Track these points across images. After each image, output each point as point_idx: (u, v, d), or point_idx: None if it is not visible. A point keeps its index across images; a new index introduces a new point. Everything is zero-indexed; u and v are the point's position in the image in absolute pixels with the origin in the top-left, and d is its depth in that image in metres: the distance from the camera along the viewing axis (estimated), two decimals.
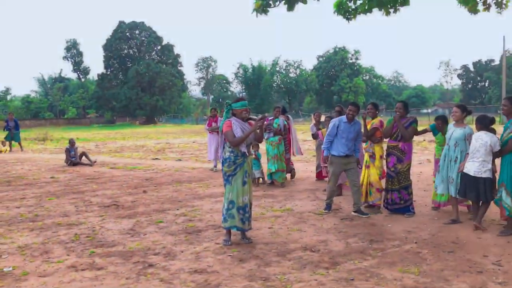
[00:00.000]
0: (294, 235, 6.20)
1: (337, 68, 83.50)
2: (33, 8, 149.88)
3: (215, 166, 12.58)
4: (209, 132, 12.83)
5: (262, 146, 10.79)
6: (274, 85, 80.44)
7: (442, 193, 7.09)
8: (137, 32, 73.46)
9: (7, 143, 20.89)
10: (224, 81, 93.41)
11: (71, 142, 15.27)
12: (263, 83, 77.75)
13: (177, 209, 7.92)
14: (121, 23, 72.41)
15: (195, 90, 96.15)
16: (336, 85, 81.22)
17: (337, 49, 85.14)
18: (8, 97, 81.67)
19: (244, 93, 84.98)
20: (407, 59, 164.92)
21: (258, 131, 5.95)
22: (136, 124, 64.68)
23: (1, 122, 35.09)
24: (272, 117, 10.27)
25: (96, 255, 5.50)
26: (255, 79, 79.72)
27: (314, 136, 10.55)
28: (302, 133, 28.50)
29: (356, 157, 7.48)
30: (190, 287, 4.45)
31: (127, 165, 14.51)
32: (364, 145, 8.02)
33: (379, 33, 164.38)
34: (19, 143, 21.19)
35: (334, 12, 10.12)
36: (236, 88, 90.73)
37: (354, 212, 7.30)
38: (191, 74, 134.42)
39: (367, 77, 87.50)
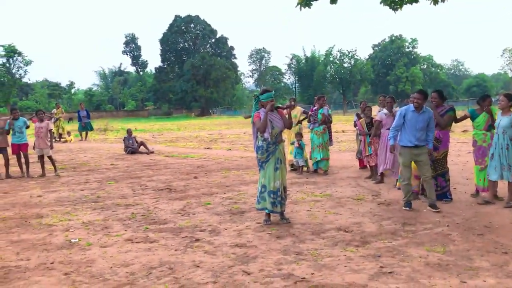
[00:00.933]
0: (330, 217, 6.60)
1: (393, 57, 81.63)
2: (94, 5, 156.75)
3: None
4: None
5: (306, 136, 11.18)
6: (327, 75, 79.75)
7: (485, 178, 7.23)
8: (192, 25, 75.18)
9: (73, 134, 22.40)
10: (277, 73, 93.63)
11: (128, 132, 16.34)
12: (316, 73, 77.33)
13: (224, 193, 8.50)
14: (176, 17, 74.36)
15: (248, 82, 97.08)
16: (392, 75, 79.47)
17: (393, 38, 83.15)
18: (72, 91, 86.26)
19: (297, 84, 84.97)
20: (468, 46, 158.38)
21: (287, 117, 6.43)
22: (192, 116, 66.43)
23: (70, 114, 37.36)
24: (316, 107, 10.60)
25: (150, 230, 6.15)
26: (308, 69, 79.39)
27: (355, 125, 10.80)
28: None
29: (429, 148, 6.97)
30: (231, 258, 4.97)
31: (181, 154, 15.35)
32: None
33: (437, 20, 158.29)
34: (86, 133, 22.58)
35: (380, 3, 10.19)
36: (289, 79, 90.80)
37: (429, 206, 6.93)
38: (244, 66, 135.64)
39: (425, 66, 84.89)
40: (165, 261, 4.93)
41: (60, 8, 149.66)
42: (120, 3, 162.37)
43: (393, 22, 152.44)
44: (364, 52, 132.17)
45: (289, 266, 4.66)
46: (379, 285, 4.13)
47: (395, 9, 10.24)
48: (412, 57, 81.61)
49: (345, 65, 79.16)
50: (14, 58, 61.18)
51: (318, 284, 4.19)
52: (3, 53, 60.42)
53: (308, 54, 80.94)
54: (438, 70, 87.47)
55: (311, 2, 9.62)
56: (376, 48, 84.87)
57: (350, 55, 78.87)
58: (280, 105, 6.61)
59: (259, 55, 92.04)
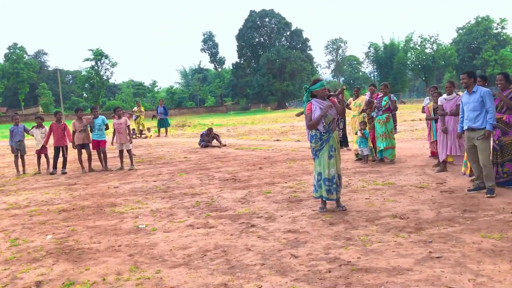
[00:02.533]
0: (387, 205, 6.54)
1: (480, 39, 76.75)
2: (173, 6, 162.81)
3: None
4: None
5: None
6: (408, 62, 76.82)
7: None
8: (267, 20, 75.90)
9: (152, 129, 23.66)
10: (355, 62, 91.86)
11: (209, 130, 16.84)
12: (396, 61, 74.80)
13: (286, 183, 8.68)
14: (251, 13, 75.43)
15: (325, 73, 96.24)
16: (479, 59, 74.84)
17: (479, 19, 78.13)
18: (155, 89, 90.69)
19: (375, 73, 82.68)
20: None
21: (338, 105, 6.38)
22: (268, 110, 67.18)
23: (153, 111, 39.43)
24: (381, 95, 10.41)
25: (210, 217, 6.50)
26: (387, 57, 77.05)
27: (423, 110, 10.45)
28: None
29: (488, 130, 6.60)
30: (281, 243, 5.15)
31: (251, 146, 15.74)
32: None
33: None
34: (166, 129, 23.73)
35: None
36: (367, 68, 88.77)
37: (486, 194, 6.67)
38: (320, 57, 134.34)
39: None
40: (220, 245, 5.23)
41: (142, 11, 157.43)
42: (197, 2, 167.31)
43: (479, 2, 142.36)
44: (447, 37, 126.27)
45: (337, 251, 4.75)
46: (424, 269, 4.10)
47: None
48: (502, 38, 76.19)
49: (427, 50, 75.82)
50: (102, 61, 65.65)
51: (362, 267, 4.25)
52: (92, 56, 65.02)
53: (387, 42, 78.42)
54: None
55: None
56: (461, 32, 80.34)
57: (432, 40, 75.41)
58: (332, 93, 6.63)
59: (335, 45, 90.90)
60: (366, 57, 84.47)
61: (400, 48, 77.42)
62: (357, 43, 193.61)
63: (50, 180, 10.83)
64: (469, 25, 79.77)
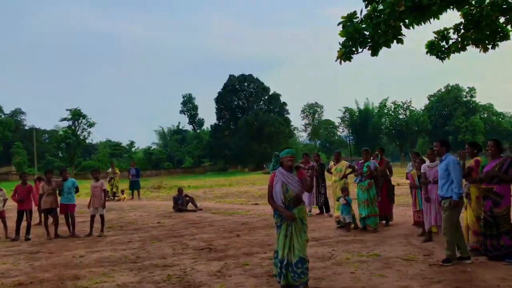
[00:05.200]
0: (375, 280, 6.08)
1: (451, 107, 79.59)
2: (153, 69, 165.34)
3: (310, 211, 12.65)
4: None
5: (353, 189, 10.73)
6: (382, 127, 78.61)
7: None
8: (245, 84, 77.43)
9: (126, 192, 22.89)
10: (331, 126, 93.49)
11: (179, 191, 16.45)
12: (370, 126, 76.45)
13: (265, 253, 8.15)
14: (231, 77, 76.95)
15: (302, 136, 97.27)
16: (451, 125, 77.18)
17: (449, 87, 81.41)
18: (133, 149, 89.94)
19: (351, 137, 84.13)
20: None
21: (308, 180, 5.88)
22: (245, 171, 66.83)
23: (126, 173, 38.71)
24: (361, 161, 10.21)
25: None
26: (362, 122, 78.79)
27: (406, 177, 10.25)
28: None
29: (454, 200, 6.69)
30: None
31: (228, 210, 15.19)
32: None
33: (496, 67, 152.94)
34: (138, 191, 23.02)
35: (426, 53, 9.88)
36: (343, 132, 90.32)
37: (441, 261, 6.73)
38: (297, 120, 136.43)
39: (485, 115, 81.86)
40: None
41: (121, 72, 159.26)
42: (177, 66, 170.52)
43: (448, 72, 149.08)
44: (419, 103, 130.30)
45: None
46: None
47: (442, 58, 9.86)
48: (471, 106, 79.20)
49: (401, 116, 77.94)
50: (79, 121, 65.14)
51: None
52: (70, 116, 64.56)
53: (361, 107, 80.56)
54: (500, 119, 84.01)
55: (351, 56, 9.46)
56: (432, 99, 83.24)
57: (405, 106, 77.76)
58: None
59: (311, 110, 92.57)
60: (341, 121, 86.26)
61: (374, 113, 79.43)
62: (332, 107, 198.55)
63: (10, 247, 10.01)
64: (440, 93, 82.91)
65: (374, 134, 76.76)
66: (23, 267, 7.91)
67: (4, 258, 8.81)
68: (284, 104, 77.39)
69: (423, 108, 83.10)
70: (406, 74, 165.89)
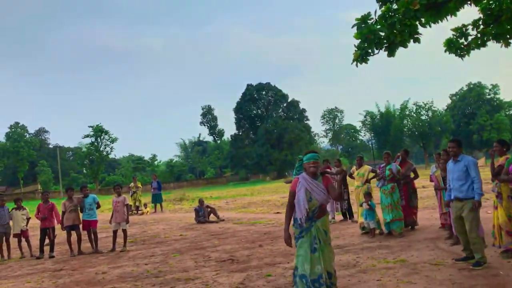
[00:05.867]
0: (402, 287, 5.86)
1: (474, 105, 78.09)
2: (172, 82, 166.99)
3: (333, 218, 12.44)
4: None
5: (376, 195, 10.48)
6: (405, 129, 77.41)
7: None
8: (263, 92, 77.55)
9: (149, 205, 22.94)
10: (352, 130, 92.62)
11: (200, 202, 16.42)
12: (392, 128, 75.37)
13: (288, 263, 7.97)
14: (248, 86, 77.21)
15: (323, 142, 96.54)
16: (475, 124, 75.62)
17: (471, 86, 79.94)
18: (155, 163, 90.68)
19: (373, 141, 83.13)
20: None
21: (335, 186, 5.50)
22: (267, 180, 66.63)
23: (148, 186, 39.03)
24: (383, 164, 9.98)
25: None
26: (384, 125, 77.69)
27: (430, 179, 9.94)
28: None
29: (476, 200, 6.52)
30: None
31: (250, 220, 15.06)
32: (491, 184, 7.43)
33: None
34: (160, 204, 23.08)
35: (445, 51, 9.63)
36: (364, 136, 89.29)
37: (472, 265, 6.50)
38: (318, 126, 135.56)
39: (511, 112, 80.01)
40: None
41: (140, 87, 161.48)
42: (196, 78, 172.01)
43: (470, 70, 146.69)
44: (441, 103, 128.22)
45: None
46: None
47: (461, 56, 9.59)
48: (495, 103, 77.52)
49: (423, 117, 76.60)
50: (102, 137, 65.95)
51: None
52: (92, 133, 65.47)
53: (382, 110, 79.57)
54: None
55: (367, 58, 9.28)
56: (454, 98, 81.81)
57: (426, 107, 76.44)
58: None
59: (331, 115, 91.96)
60: (363, 125, 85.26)
61: (396, 115, 78.33)
62: (353, 111, 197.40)
63: (35, 266, 10.07)
64: (462, 91, 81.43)
65: (397, 136, 75.56)
66: (47, 285, 7.92)
67: (28, 276, 8.85)
68: (304, 110, 77.22)
69: (445, 108, 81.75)
70: (426, 75, 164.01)
